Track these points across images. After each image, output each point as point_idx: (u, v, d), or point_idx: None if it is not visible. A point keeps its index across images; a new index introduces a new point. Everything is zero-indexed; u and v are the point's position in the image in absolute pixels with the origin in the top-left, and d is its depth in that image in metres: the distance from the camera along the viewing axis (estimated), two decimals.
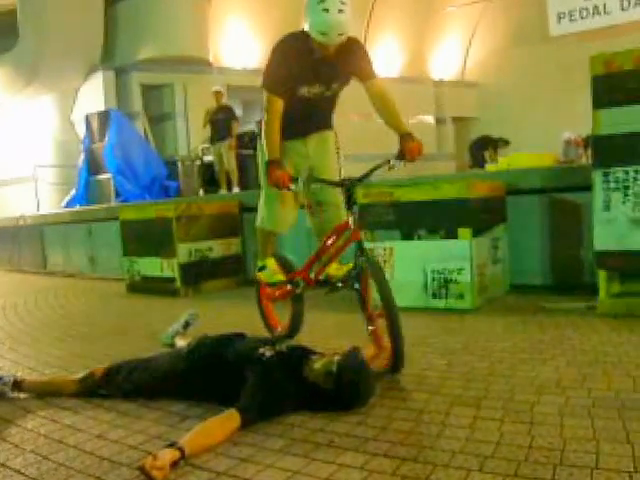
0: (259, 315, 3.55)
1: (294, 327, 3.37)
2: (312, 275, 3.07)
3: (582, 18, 13.81)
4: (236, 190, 9.05)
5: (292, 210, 3.09)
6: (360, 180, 2.78)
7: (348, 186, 2.74)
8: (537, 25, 15.44)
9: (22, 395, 2.60)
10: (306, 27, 2.65)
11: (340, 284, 2.86)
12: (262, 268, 3.27)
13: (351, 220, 2.74)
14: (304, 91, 2.84)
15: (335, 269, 2.95)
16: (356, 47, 2.83)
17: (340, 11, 2.54)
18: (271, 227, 3.14)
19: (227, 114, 9.17)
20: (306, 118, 2.96)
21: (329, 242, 2.89)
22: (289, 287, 3.19)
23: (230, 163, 9.26)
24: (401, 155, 2.73)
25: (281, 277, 3.22)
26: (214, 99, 9.21)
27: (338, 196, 2.96)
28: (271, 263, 3.25)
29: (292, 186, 2.71)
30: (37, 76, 11.67)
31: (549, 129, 12.81)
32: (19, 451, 2.06)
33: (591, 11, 13.68)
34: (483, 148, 12.21)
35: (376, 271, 2.64)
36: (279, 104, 2.77)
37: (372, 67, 2.91)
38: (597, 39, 12.49)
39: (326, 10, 2.53)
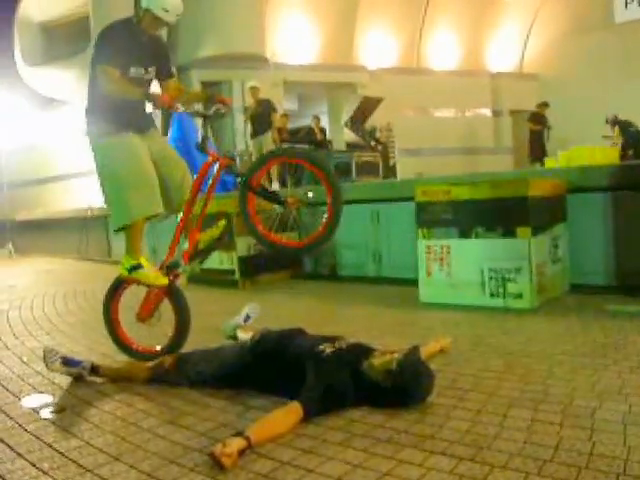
0: (109, 333, 3.25)
1: (182, 331, 3.13)
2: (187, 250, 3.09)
3: None
4: (275, 186, 8.06)
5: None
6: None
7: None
8: (600, 12, 14.77)
9: (98, 379, 2.79)
10: (144, 3, 2.86)
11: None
12: (137, 267, 2.94)
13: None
14: (133, 71, 2.97)
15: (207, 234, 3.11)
16: (163, 43, 3.20)
17: None
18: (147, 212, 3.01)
19: (266, 107, 9.10)
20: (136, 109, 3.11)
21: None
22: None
23: None
24: None
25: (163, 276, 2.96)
26: (251, 95, 9.24)
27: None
28: (145, 261, 3.00)
29: None
30: None
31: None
32: (100, 431, 2.23)
33: None
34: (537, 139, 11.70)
35: None
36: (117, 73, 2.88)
37: (171, 67, 3.22)
38: None
39: None
